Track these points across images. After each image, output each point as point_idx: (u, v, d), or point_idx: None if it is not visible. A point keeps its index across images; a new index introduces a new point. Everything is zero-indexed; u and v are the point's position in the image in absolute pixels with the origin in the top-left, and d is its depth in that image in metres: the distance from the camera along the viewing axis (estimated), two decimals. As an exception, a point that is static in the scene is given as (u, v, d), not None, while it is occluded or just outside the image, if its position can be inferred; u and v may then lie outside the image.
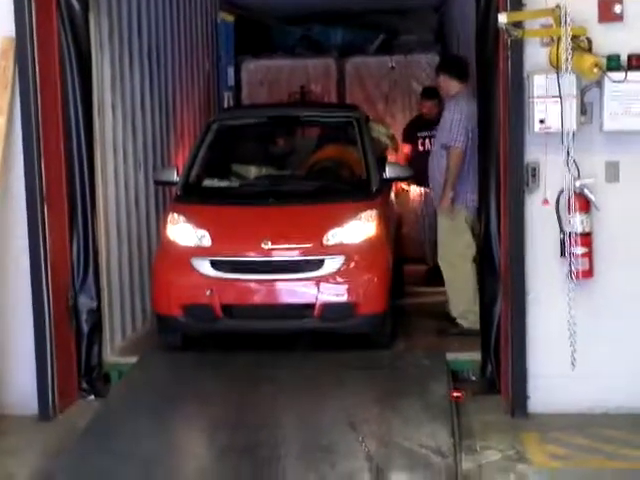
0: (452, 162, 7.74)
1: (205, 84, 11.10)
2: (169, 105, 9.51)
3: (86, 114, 6.85)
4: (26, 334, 6.55)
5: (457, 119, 7.74)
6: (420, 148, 9.96)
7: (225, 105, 11.66)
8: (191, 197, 7.88)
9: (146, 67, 8.79)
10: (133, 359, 7.27)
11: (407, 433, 5.75)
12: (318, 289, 7.17)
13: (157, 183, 8.46)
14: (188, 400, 6.58)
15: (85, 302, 6.94)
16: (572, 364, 6.01)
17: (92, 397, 6.94)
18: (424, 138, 9.90)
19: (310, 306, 7.21)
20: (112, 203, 7.79)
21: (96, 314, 7.03)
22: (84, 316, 6.95)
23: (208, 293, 7.17)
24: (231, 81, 12.14)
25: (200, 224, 7.46)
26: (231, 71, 12.16)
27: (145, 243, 8.68)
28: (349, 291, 7.23)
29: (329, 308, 7.20)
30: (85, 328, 6.95)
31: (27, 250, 6.52)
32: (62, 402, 6.67)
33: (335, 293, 7.22)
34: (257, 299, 7.32)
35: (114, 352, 7.53)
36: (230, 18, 11.99)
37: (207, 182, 8.14)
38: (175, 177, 7.97)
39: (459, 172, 7.74)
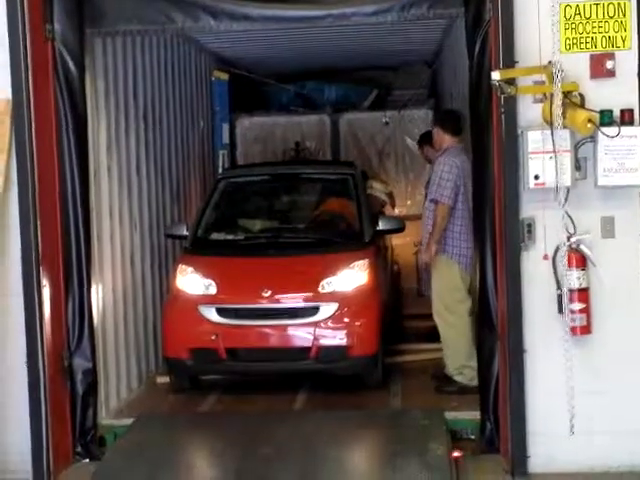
0: (438, 217, 7.79)
1: (200, 142, 11.17)
2: (164, 165, 9.58)
3: (82, 175, 6.83)
4: (21, 396, 6.47)
5: (446, 173, 7.79)
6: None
7: (220, 163, 11.74)
8: (198, 249, 8.54)
9: (141, 128, 8.86)
10: (128, 421, 7.17)
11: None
12: (314, 333, 7.78)
13: (168, 237, 9.07)
14: (184, 463, 6.49)
15: (80, 363, 6.85)
16: (570, 422, 5.97)
17: (87, 460, 6.80)
18: None
19: (307, 349, 7.80)
20: (108, 264, 7.80)
21: (91, 375, 6.93)
22: (79, 377, 6.84)
23: (213, 337, 7.77)
24: (226, 138, 12.23)
25: (206, 274, 8.08)
26: (226, 129, 12.26)
27: (140, 303, 8.67)
28: (343, 335, 7.82)
29: (324, 351, 7.79)
30: (80, 389, 6.85)
31: (22, 311, 6.47)
32: (57, 466, 6.56)
33: (330, 337, 7.83)
34: (258, 343, 7.92)
35: (109, 414, 7.45)
36: (224, 76, 12.10)
37: (214, 235, 8.80)
38: (185, 231, 8.66)
39: (451, 227, 7.78)
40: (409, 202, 11.84)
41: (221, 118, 12.08)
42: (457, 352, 7.81)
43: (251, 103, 13.10)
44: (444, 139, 8.12)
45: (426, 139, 9.68)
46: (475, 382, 7.23)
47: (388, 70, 13.34)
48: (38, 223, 6.49)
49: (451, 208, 7.77)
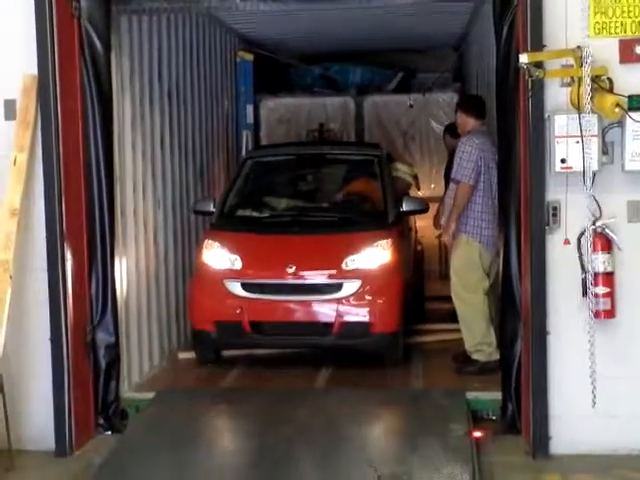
0: (458, 196, 7.82)
1: (224, 122, 11.19)
2: (188, 144, 9.61)
3: (106, 152, 6.86)
4: (44, 369, 6.54)
5: (467, 153, 7.80)
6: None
7: (244, 143, 11.76)
8: (225, 225, 8.66)
9: (166, 106, 8.90)
10: (150, 395, 7.24)
11: (427, 474, 5.69)
12: (337, 310, 7.91)
13: (195, 212, 9.14)
14: (205, 437, 6.55)
15: (103, 337, 6.91)
16: (593, 402, 5.97)
17: (109, 433, 6.89)
18: None
19: (329, 325, 7.95)
20: (131, 239, 7.84)
21: (114, 350, 6.99)
22: (102, 351, 6.91)
23: (238, 311, 7.94)
24: (250, 119, 12.23)
25: (232, 249, 8.23)
26: (250, 109, 12.26)
27: (163, 280, 8.72)
28: (365, 312, 7.96)
29: (347, 327, 7.94)
30: (103, 363, 6.91)
31: (46, 286, 6.52)
32: (79, 438, 6.63)
33: (352, 313, 7.96)
34: (282, 317, 8.08)
35: (131, 388, 7.52)
36: (249, 57, 12.09)
37: (240, 212, 8.93)
38: (211, 207, 8.78)
39: (472, 207, 7.78)
40: (433, 185, 11.82)
41: (245, 99, 12.08)
42: (474, 330, 7.85)
43: (275, 84, 13.09)
44: (467, 122, 8.14)
45: (448, 128, 9.72)
46: (494, 357, 7.31)
47: (414, 53, 13.30)
48: (63, 198, 6.52)
49: (472, 187, 7.78)
